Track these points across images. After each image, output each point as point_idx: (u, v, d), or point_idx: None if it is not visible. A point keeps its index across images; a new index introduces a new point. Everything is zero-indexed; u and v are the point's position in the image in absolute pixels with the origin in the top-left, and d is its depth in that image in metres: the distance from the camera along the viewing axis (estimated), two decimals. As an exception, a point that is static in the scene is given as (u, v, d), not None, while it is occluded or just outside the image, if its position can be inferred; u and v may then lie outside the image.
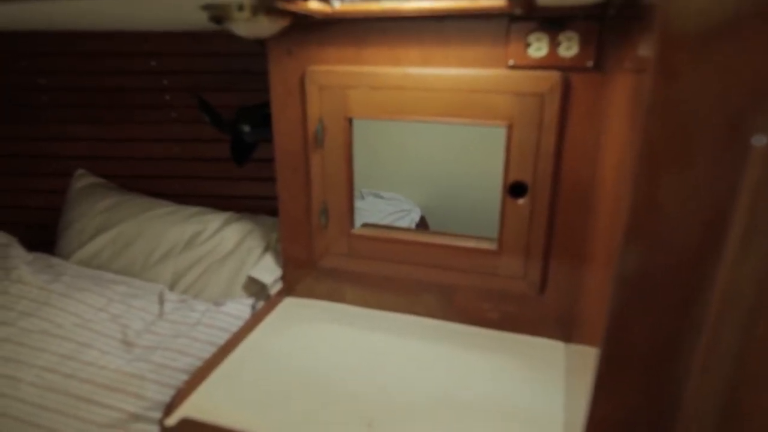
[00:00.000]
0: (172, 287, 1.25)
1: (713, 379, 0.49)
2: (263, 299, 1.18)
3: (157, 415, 0.92)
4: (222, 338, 1.02)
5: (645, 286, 0.50)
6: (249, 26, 0.84)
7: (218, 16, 0.82)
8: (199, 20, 0.90)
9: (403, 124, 1.01)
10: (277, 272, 1.18)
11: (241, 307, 1.09)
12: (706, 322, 0.48)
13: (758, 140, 0.43)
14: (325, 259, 1.10)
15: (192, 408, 0.84)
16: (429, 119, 0.95)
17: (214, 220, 1.31)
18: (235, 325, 1.06)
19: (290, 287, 1.17)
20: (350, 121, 1.01)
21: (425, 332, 1.05)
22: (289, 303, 1.15)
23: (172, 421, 0.83)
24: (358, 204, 1.62)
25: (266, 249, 1.24)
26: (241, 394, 0.88)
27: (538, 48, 0.87)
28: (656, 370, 0.52)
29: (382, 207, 1.63)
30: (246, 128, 1.14)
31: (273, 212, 1.25)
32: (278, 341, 1.02)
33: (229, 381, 0.91)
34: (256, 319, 1.06)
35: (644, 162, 0.46)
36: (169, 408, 0.85)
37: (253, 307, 1.11)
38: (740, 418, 0.49)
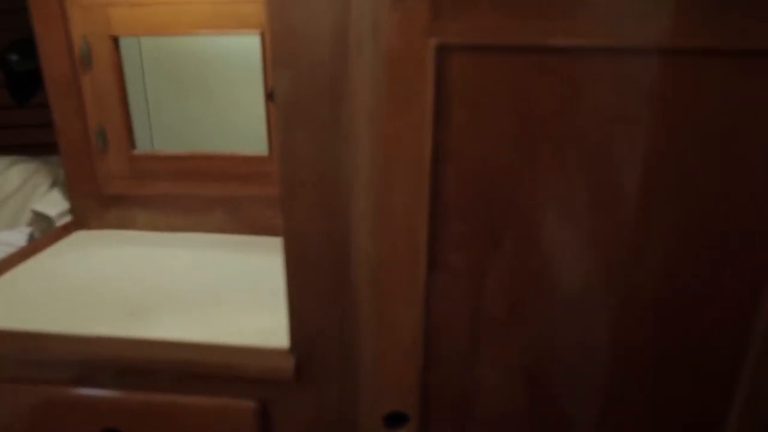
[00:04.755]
0: (-51, 231, 1.18)
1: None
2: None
3: None
4: (-6, 265, 0.99)
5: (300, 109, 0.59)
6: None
7: None
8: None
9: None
10: (64, 205, 1.16)
11: (16, 236, 1.07)
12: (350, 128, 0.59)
13: None
14: (109, 184, 1.11)
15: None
16: (190, 32, 1.00)
17: (-3, 163, 1.26)
18: (8, 252, 1.03)
19: (81, 220, 1.16)
20: (116, 40, 1.02)
21: (214, 244, 1.10)
22: (78, 235, 1.14)
23: None
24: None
25: (53, 185, 1.22)
26: (12, 304, 0.87)
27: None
28: (323, 185, 0.62)
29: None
30: (14, 57, 1.11)
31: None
32: (58, 263, 1.01)
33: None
34: (35, 246, 1.05)
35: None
36: None
37: (31, 235, 1.09)
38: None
